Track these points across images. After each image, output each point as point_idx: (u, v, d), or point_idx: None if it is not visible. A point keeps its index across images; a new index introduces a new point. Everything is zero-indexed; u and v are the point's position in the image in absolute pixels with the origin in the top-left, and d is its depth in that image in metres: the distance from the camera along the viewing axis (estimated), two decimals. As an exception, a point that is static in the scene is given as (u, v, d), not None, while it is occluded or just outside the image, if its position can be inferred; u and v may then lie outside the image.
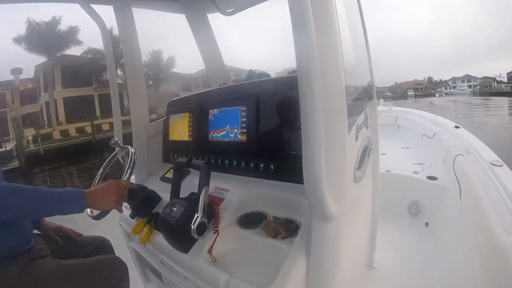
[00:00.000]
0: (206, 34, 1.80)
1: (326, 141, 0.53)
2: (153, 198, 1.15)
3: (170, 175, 1.30)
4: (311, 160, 0.51)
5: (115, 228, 1.32)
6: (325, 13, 0.56)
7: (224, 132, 1.11)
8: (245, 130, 1.02)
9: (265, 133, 0.98)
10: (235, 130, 1.06)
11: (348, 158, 0.64)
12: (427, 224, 1.70)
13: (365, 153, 0.89)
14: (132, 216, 1.14)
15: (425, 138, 2.44)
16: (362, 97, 1.01)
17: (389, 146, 2.62)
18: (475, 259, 1.14)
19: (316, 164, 0.51)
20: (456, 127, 2.37)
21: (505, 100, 38.79)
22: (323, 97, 0.51)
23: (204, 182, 0.88)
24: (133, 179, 1.33)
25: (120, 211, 0.99)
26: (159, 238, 0.97)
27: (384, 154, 2.36)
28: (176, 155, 1.38)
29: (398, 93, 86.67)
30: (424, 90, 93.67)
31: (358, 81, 0.99)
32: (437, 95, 74.60)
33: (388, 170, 1.96)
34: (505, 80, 72.98)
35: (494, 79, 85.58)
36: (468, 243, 1.24)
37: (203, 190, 0.86)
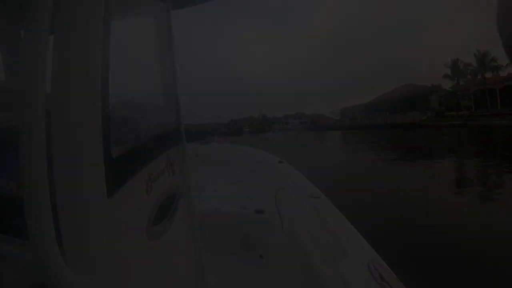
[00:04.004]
0: None
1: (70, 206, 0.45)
2: None
3: None
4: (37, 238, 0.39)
5: None
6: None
7: None
8: None
9: None
10: None
11: (116, 220, 0.53)
12: (261, 256, 1.75)
13: (171, 201, 0.82)
14: None
15: (253, 174, 2.61)
16: (159, 145, 0.85)
17: (220, 183, 2.68)
18: None
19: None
20: (280, 162, 2.60)
21: (338, 133, 40.93)
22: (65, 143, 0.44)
23: None
24: None
25: None
26: None
27: (214, 191, 2.42)
28: None
29: (234, 130, 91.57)
30: (259, 126, 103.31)
31: (158, 124, 0.90)
32: (271, 131, 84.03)
33: (216, 209, 1.97)
34: (339, 114, 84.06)
35: (323, 115, 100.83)
36: (295, 274, 1.26)
37: None
